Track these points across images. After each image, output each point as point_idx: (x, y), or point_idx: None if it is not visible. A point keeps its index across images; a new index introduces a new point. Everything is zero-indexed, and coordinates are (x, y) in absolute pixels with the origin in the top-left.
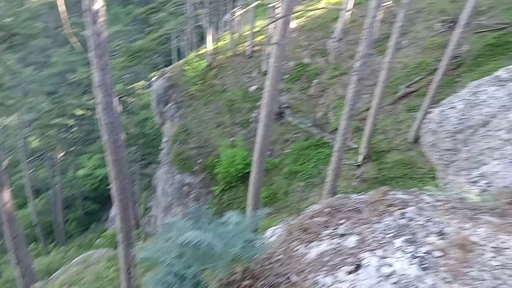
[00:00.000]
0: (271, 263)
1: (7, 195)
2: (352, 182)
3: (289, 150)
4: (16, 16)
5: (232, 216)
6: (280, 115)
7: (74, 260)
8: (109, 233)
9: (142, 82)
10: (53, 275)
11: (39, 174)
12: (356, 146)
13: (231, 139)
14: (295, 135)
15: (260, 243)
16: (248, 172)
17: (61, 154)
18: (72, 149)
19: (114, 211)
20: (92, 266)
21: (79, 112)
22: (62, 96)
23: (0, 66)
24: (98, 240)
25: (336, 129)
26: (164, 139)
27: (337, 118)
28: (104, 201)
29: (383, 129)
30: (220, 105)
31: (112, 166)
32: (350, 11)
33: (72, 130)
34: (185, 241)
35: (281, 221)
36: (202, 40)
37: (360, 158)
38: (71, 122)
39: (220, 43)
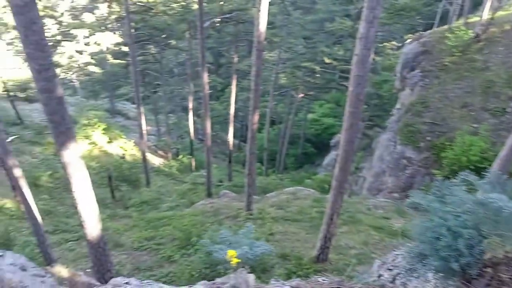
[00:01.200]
0: None
1: (257, 117)
2: None
3: None
4: None
5: None
6: None
7: (286, 189)
8: (319, 177)
9: (393, 42)
10: (268, 194)
11: (278, 107)
12: None
13: (475, 125)
14: None
15: None
16: (483, 167)
17: (301, 95)
18: (310, 93)
19: (328, 159)
20: (299, 200)
21: (326, 60)
22: (316, 43)
23: (277, 7)
24: (308, 180)
25: None
26: (397, 106)
27: None
28: (322, 147)
29: None
30: (474, 84)
31: (348, 117)
32: None
33: (315, 76)
34: (487, 201)
35: None
36: (476, 6)
37: None
38: (317, 68)
39: (499, 13)
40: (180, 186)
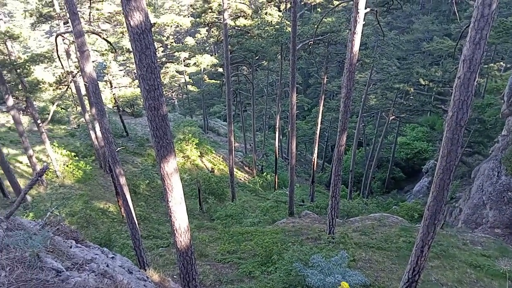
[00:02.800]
0: None
1: (344, 138)
2: None
3: None
4: None
5: None
6: None
7: (371, 215)
8: (407, 204)
9: (501, 63)
10: (351, 218)
11: (367, 129)
12: None
13: None
14: None
15: None
16: None
17: (392, 117)
18: (402, 115)
19: (418, 186)
20: (385, 227)
21: (422, 81)
22: (411, 63)
23: (370, 27)
24: (395, 206)
25: None
26: (503, 132)
27: None
28: (412, 173)
29: None
30: None
31: (446, 143)
32: None
33: (409, 97)
34: None
35: None
36: None
37: None
38: (411, 89)
39: None
40: (263, 202)
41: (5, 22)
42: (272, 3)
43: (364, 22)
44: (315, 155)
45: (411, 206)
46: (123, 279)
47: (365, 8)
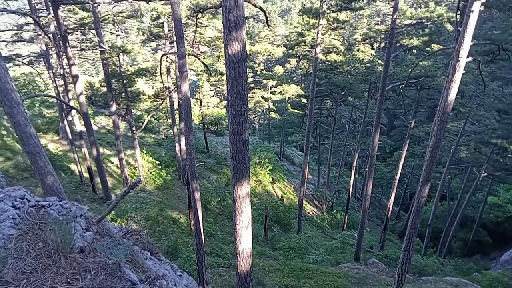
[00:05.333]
0: None
1: (426, 189)
2: None
3: None
4: (506, 30)
5: None
6: None
7: (447, 277)
8: (492, 274)
9: None
10: (423, 277)
11: (453, 182)
12: None
13: None
14: None
15: None
16: None
17: (484, 174)
18: (497, 173)
19: (508, 256)
20: None
21: None
22: None
23: (470, 75)
24: (476, 274)
25: None
26: None
27: None
28: (501, 239)
29: None
30: None
31: None
32: None
33: (507, 155)
34: None
35: None
36: None
37: None
38: (510, 147)
39: None
40: (329, 241)
41: (121, 38)
42: (366, 41)
43: (464, 72)
44: (391, 201)
45: (497, 277)
46: None
47: (467, 57)
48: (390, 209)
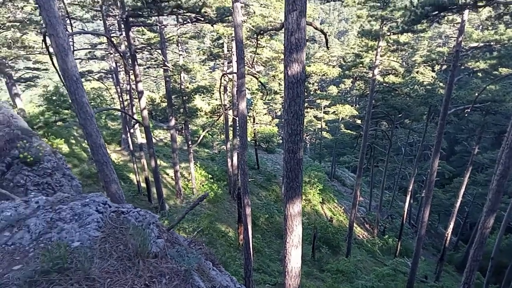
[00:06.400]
0: None
1: (491, 221)
2: None
3: None
4: None
5: None
6: None
7: None
8: None
9: None
10: None
11: None
12: None
13: None
14: None
15: None
16: None
17: None
18: None
19: None
20: None
21: None
22: None
23: None
24: None
25: None
26: None
27: None
28: None
29: None
30: None
31: None
32: None
33: None
34: None
35: None
36: None
37: None
38: None
39: None
40: (380, 267)
41: (183, 57)
42: (427, 63)
43: None
44: (450, 229)
45: None
46: None
47: None
48: (448, 238)
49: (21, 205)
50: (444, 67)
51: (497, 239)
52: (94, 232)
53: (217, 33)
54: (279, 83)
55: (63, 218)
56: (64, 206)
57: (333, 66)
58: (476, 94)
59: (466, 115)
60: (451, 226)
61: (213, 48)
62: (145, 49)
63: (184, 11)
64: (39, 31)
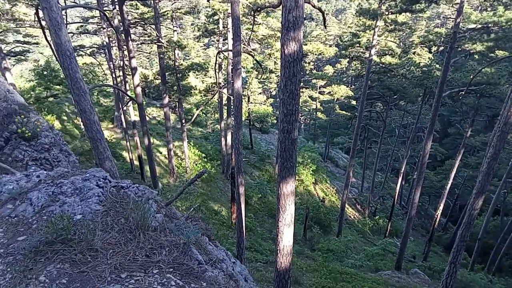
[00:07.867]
0: None
1: (480, 202)
2: None
3: None
4: None
5: None
6: None
7: None
8: None
9: None
10: None
11: (508, 196)
12: None
13: None
14: None
15: None
16: None
17: None
18: None
19: None
20: None
21: None
22: None
23: None
24: None
25: None
26: None
27: None
28: None
29: None
30: None
31: None
32: None
33: None
34: None
35: None
36: None
37: None
38: None
39: None
40: (370, 247)
41: (177, 33)
42: (425, 44)
43: None
44: (439, 211)
45: None
46: (244, 286)
47: None
48: (437, 219)
49: (22, 179)
50: (441, 48)
51: (484, 220)
52: (95, 206)
53: (213, 8)
54: (275, 62)
55: (64, 192)
56: (65, 181)
57: (330, 45)
58: (472, 76)
59: (461, 97)
60: (441, 207)
61: (208, 24)
62: (139, 24)
63: None
64: (29, 3)
